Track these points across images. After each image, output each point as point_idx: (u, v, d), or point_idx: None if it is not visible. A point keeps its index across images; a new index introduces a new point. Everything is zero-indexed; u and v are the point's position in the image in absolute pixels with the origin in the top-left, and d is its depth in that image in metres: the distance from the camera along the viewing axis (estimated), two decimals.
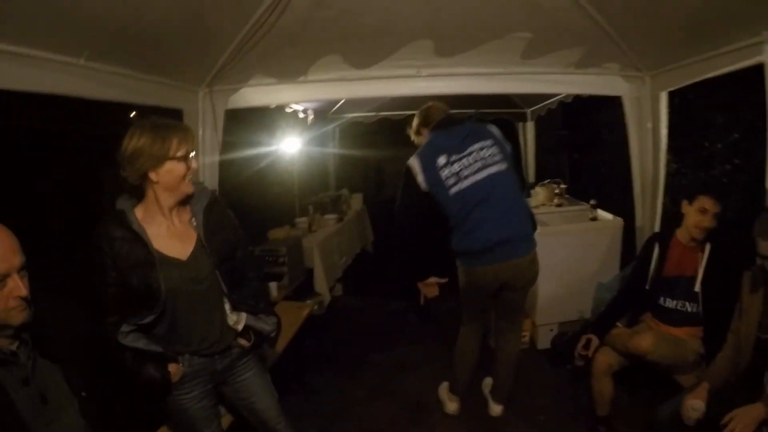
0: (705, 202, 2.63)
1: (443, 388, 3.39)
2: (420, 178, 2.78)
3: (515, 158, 2.91)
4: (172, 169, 1.75)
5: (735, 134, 3.71)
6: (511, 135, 7.02)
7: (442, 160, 2.77)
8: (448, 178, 2.75)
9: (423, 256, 3.02)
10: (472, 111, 6.29)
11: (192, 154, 1.80)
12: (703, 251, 2.66)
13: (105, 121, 2.76)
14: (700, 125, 4.09)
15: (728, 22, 2.43)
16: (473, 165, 2.75)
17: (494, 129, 2.89)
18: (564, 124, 6.82)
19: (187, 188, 1.82)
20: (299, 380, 3.58)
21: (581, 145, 6.51)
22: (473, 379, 3.29)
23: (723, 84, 3.26)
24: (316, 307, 4.16)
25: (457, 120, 2.95)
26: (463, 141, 2.81)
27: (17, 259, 1.37)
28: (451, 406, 3.29)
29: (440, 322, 4.32)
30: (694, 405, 2.18)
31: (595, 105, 5.21)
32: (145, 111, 2.68)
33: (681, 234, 2.75)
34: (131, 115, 2.80)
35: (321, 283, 4.60)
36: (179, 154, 1.75)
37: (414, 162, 2.81)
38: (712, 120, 3.96)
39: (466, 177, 2.74)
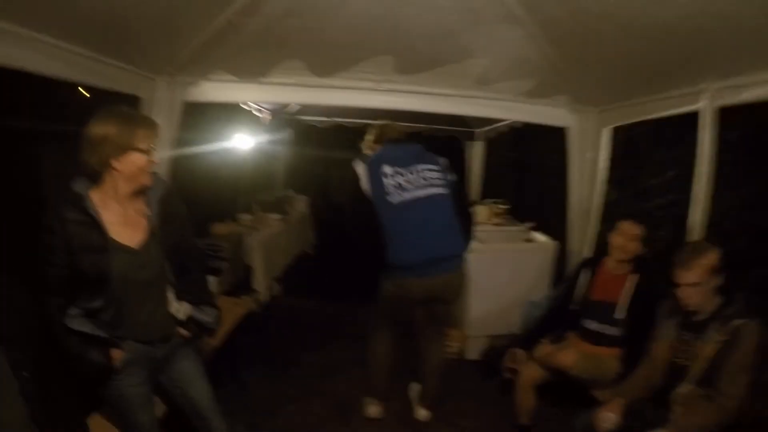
0: (625, 225, 2.86)
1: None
2: (364, 182, 2.91)
3: (458, 182, 3.08)
4: (134, 160, 1.80)
5: (670, 171, 3.96)
6: (458, 153, 7.28)
7: (387, 169, 2.91)
8: (389, 186, 2.89)
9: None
10: (423, 126, 6.50)
11: (153, 147, 1.84)
12: (627, 280, 2.85)
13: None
14: (640, 159, 4.36)
15: (672, 70, 2.66)
16: (417, 181, 2.91)
17: (441, 159, 3.04)
18: (514, 148, 7.10)
19: (146, 180, 1.87)
20: (232, 375, 3.59)
21: (527, 168, 6.78)
22: (393, 382, 3.41)
23: (664, 123, 3.53)
24: (253, 304, 4.19)
25: (409, 141, 3.10)
26: (411, 158, 2.97)
27: None
28: (373, 409, 3.37)
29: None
30: (605, 417, 2.35)
31: (544, 133, 5.47)
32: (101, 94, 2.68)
33: (609, 262, 2.95)
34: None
35: (260, 281, 4.64)
36: (143, 146, 1.79)
37: (360, 166, 2.94)
38: (651, 156, 4.23)
39: (408, 190, 2.89)
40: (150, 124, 1.85)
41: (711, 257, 2.21)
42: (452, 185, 3.00)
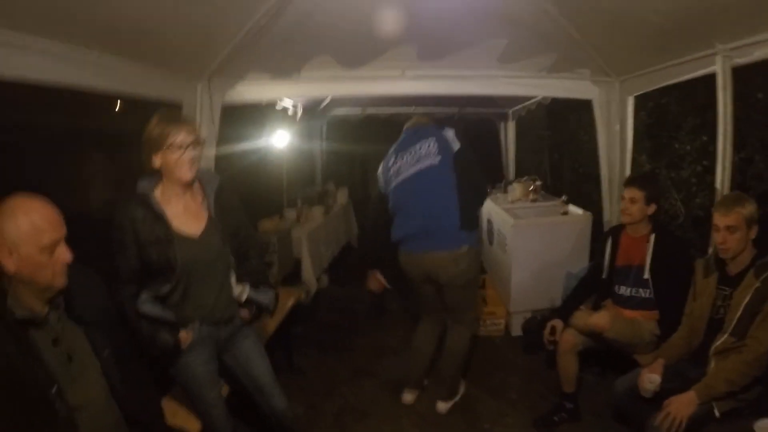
0: (627, 191, 2.92)
1: None
2: (380, 181, 3.13)
3: (464, 151, 3.02)
4: (167, 156, 1.95)
5: (703, 137, 3.94)
6: (492, 133, 7.33)
7: (391, 160, 3.09)
8: (391, 175, 3.07)
9: (378, 252, 3.31)
10: (455, 109, 6.57)
11: (189, 143, 1.96)
12: (648, 242, 2.90)
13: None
14: (671, 128, 4.33)
15: (687, 34, 2.68)
16: (410, 161, 3.02)
17: (446, 131, 3.06)
18: (547, 125, 7.09)
19: (184, 174, 1.99)
20: (288, 361, 3.79)
21: (560, 144, 6.76)
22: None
23: (693, 89, 3.50)
24: (303, 294, 4.37)
25: (427, 125, 3.17)
26: (412, 140, 3.08)
27: (64, 229, 1.57)
28: (408, 397, 3.43)
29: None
30: (651, 378, 2.39)
31: (574, 108, 5.46)
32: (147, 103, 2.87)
33: (629, 227, 3.01)
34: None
35: (308, 273, 4.82)
36: (172, 142, 1.94)
37: (379, 168, 3.15)
38: (682, 123, 4.19)
39: (401, 173, 3.03)
40: (181, 122, 1.98)
41: (748, 207, 2.26)
42: (454, 154, 2.98)
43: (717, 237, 2.30)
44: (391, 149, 3.17)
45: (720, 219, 2.27)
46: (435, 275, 3.04)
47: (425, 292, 3.23)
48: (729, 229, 2.25)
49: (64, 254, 1.55)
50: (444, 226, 2.94)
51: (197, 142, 2.00)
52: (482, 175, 3.15)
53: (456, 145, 3.00)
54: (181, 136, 1.95)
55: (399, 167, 3.05)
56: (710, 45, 2.67)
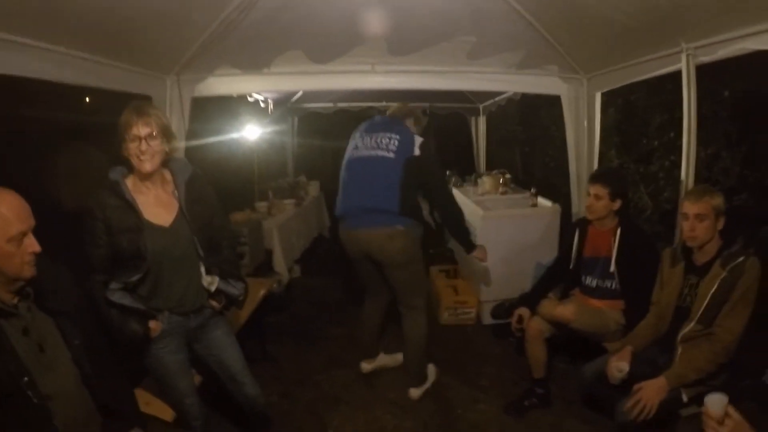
0: (592, 188, 2.99)
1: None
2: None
3: (422, 160, 3.06)
4: (127, 146, 1.97)
5: (671, 133, 4.06)
6: (463, 128, 7.43)
7: (357, 135, 3.23)
8: (350, 149, 3.21)
9: None
10: (426, 105, 6.64)
11: (145, 135, 1.97)
12: (615, 236, 2.97)
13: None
14: (640, 124, 4.45)
15: (653, 33, 2.78)
16: (368, 144, 3.11)
17: (415, 138, 3.11)
18: (518, 120, 7.21)
19: (139, 165, 2.00)
20: (261, 350, 3.81)
21: (531, 139, 6.89)
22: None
23: (661, 86, 3.60)
24: (275, 285, 4.41)
25: (398, 118, 3.27)
26: (378, 128, 3.17)
27: (32, 220, 1.59)
28: (364, 366, 3.64)
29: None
30: (620, 366, 2.46)
31: (545, 104, 5.56)
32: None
33: (595, 221, 3.07)
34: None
35: (280, 263, 4.85)
36: (130, 133, 1.96)
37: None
38: (651, 119, 4.32)
39: (358, 151, 3.15)
40: (138, 113, 1.99)
41: (717, 198, 2.34)
42: (409, 158, 3.04)
43: (685, 225, 2.37)
44: (362, 126, 3.26)
45: (689, 207, 2.34)
46: (372, 253, 3.13)
47: (365, 270, 3.33)
48: (698, 218, 2.32)
49: (33, 245, 1.58)
50: (382, 207, 3.03)
51: (155, 135, 2.00)
52: (442, 183, 3.29)
53: (416, 152, 3.05)
54: (137, 128, 1.96)
55: (357, 145, 3.17)
56: (676, 43, 2.77)
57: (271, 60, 3.54)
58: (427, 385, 3.43)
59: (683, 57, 2.78)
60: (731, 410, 1.55)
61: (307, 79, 3.77)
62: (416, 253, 3.19)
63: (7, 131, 2.86)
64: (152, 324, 2.08)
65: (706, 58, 2.70)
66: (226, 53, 3.29)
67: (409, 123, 3.26)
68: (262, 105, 5.37)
